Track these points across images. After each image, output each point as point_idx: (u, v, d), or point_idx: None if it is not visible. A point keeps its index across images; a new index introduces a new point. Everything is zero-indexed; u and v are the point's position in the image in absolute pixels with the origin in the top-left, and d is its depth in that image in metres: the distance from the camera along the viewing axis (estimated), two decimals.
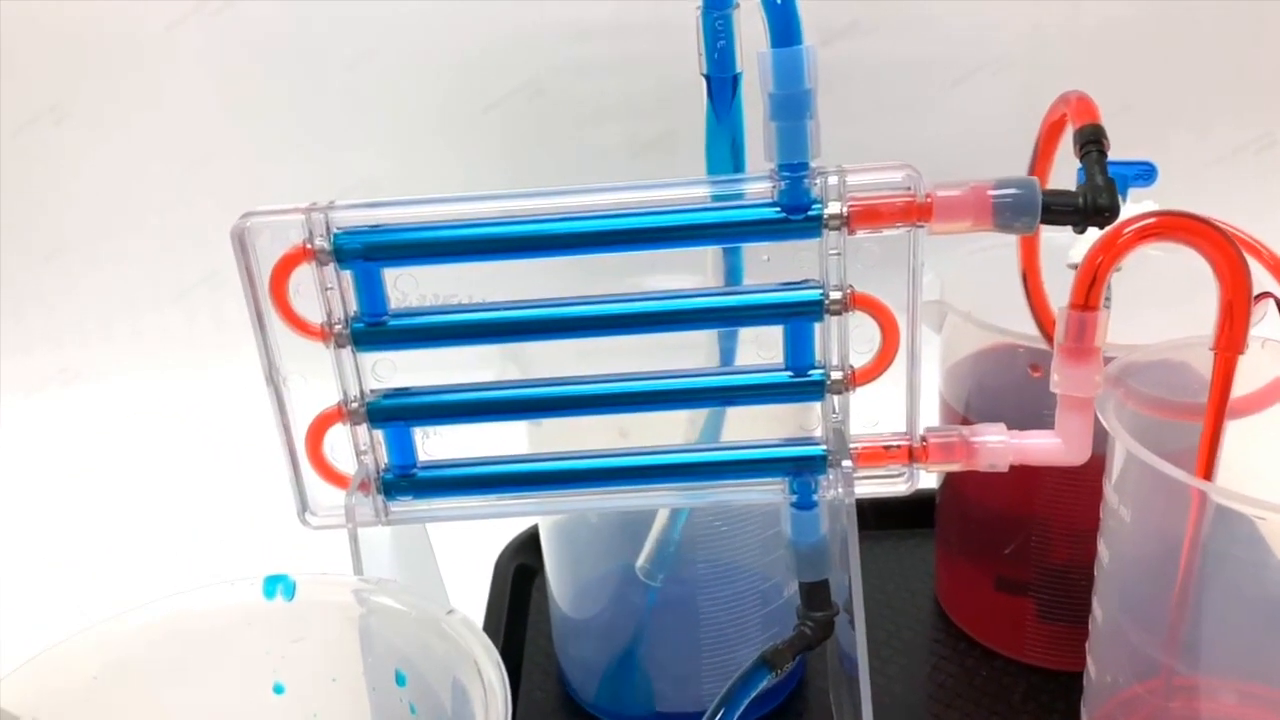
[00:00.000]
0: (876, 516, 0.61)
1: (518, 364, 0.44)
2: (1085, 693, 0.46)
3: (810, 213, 0.36)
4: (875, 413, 0.40)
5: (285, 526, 0.42)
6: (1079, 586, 0.47)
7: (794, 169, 0.36)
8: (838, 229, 0.36)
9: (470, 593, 0.58)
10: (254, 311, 0.38)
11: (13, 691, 0.34)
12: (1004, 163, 0.39)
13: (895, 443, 0.40)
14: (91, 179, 0.89)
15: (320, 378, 0.39)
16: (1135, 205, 0.40)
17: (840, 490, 0.39)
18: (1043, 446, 0.39)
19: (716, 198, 0.37)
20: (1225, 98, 0.88)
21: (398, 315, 0.38)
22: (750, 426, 0.42)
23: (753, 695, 0.39)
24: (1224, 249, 0.36)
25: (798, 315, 0.38)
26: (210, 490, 0.77)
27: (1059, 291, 0.39)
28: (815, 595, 0.40)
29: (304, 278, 0.38)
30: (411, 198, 0.37)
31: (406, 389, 0.40)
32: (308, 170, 0.88)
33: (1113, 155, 0.37)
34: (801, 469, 0.40)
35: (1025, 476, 0.41)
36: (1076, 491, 0.49)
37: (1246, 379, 0.39)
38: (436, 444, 0.41)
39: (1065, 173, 0.39)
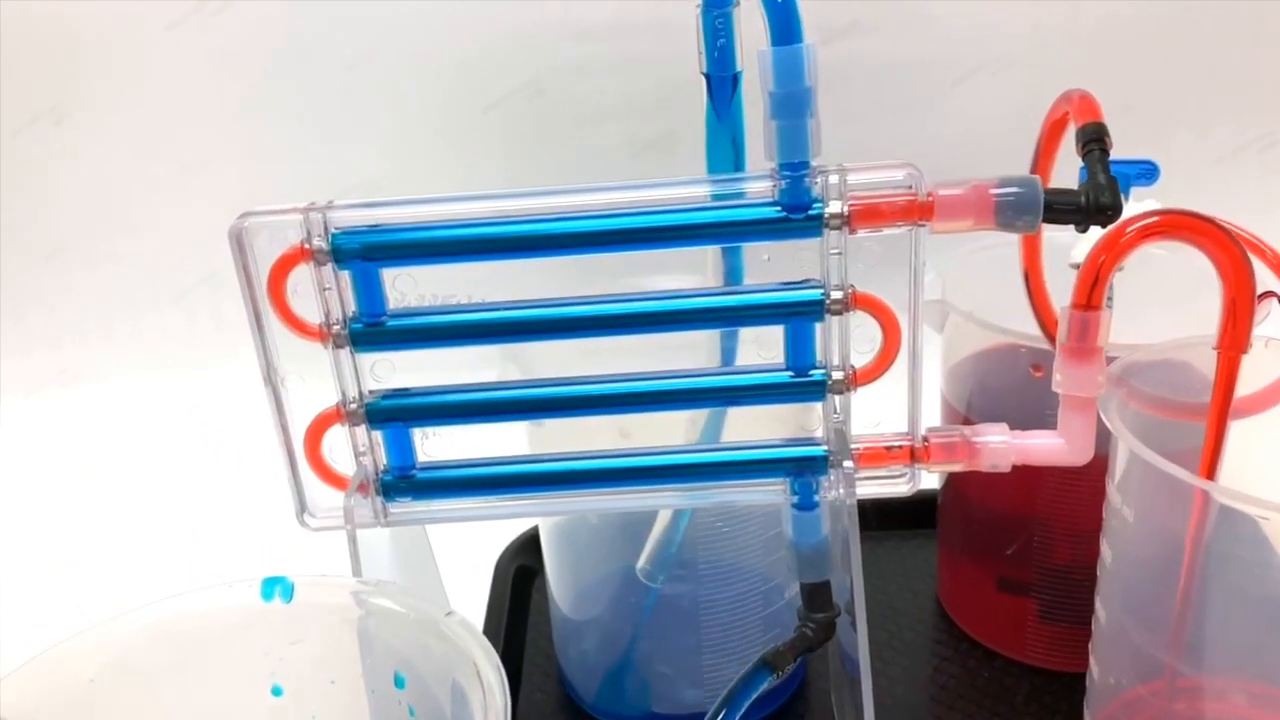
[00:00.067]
0: (878, 517, 0.61)
1: (518, 364, 0.44)
2: (1088, 694, 0.46)
3: (811, 212, 0.36)
4: (877, 413, 0.40)
5: (284, 527, 0.42)
6: (1081, 587, 0.47)
7: (794, 168, 0.35)
8: (839, 228, 0.36)
9: (470, 594, 0.58)
10: (252, 312, 0.38)
11: (10, 693, 0.33)
12: (1005, 162, 0.39)
13: (897, 443, 0.40)
14: (91, 179, 0.89)
15: (319, 378, 0.39)
16: (1137, 205, 0.40)
17: (842, 491, 0.39)
18: (1045, 447, 0.39)
19: (716, 197, 0.37)
20: (1227, 97, 0.88)
21: (396, 315, 0.38)
22: (751, 427, 0.42)
23: (754, 697, 0.39)
24: (1227, 248, 0.36)
25: (799, 315, 0.38)
26: (210, 491, 0.77)
27: (1061, 291, 0.39)
28: (817, 596, 0.40)
29: (302, 278, 0.37)
30: (410, 197, 0.37)
31: (405, 389, 0.40)
32: (308, 170, 0.88)
33: (1114, 155, 0.37)
34: (803, 469, 0.40)
35: (1027, 477, 0.41)
36: (1079, 492, 0.48)
37: (1249, 379, 0.39)
38: (436, 445, 0.41)
39: (1067, 172, 0.39)
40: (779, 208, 0.36)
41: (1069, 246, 0.43)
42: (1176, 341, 0.43)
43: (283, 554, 0.43)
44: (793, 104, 0.35)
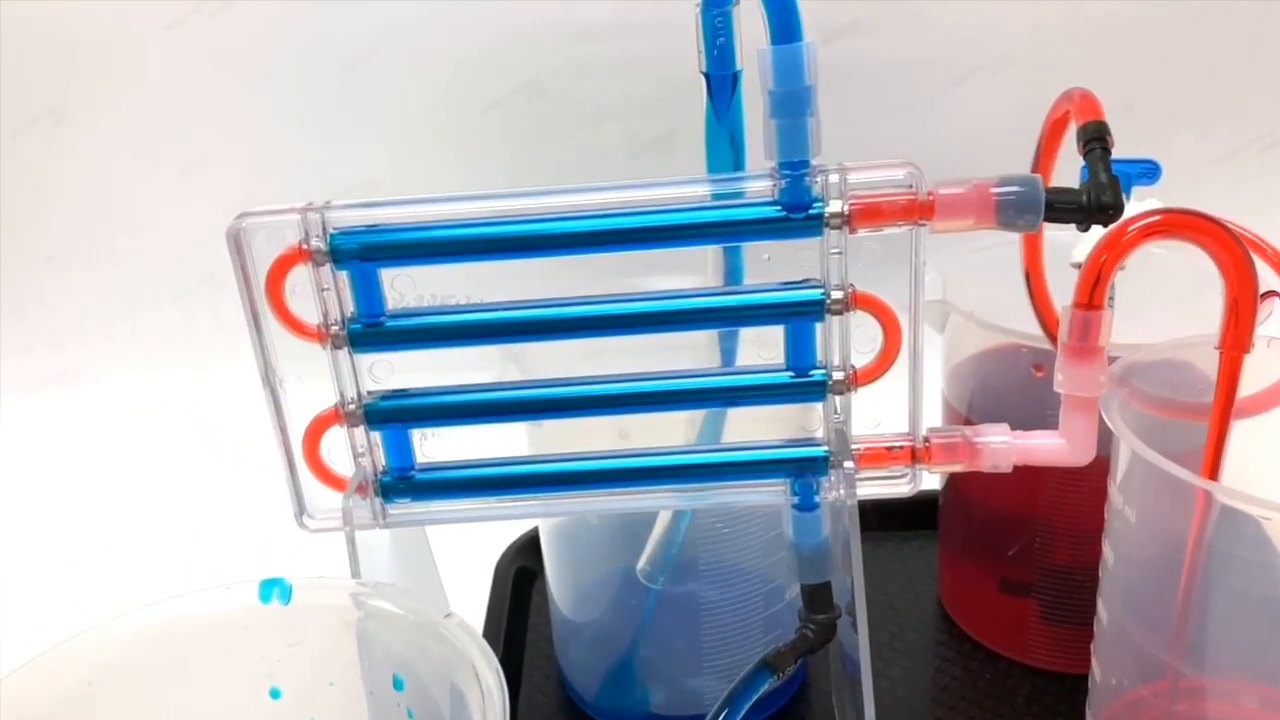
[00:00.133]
0: (879, 518, 0.61)
1: (517, 365, 0.44)
2: (1090, 695, 0.45)
3: (811, 211, 0.36)
4: (877, 413, 0.40)
5: (284, 529, 0.41)
6: (1083, 588, 0.47)
7: (794, 167, 0.35)
8: (839, 227, 0.36)
9: (471, 596, 0.58)
10: (250, 313, 0.38)
11: (8, 694, 0.33)
12: (1006, 162, 0.39)
13: (898, 443, 0.39)
14: (91, 179, 0.89)
15: (317, 379, 0.39)
16: (1139, 204, 0.39)
17: (842, 491, 0.39)
18: (1047, 447, 0.39)
19: (716, 196, 0.37)
20: (1228, 97, 0.88)
21: (395, 316, 0.38)
22: (751, 427, 0.42)
23: (754, 698, 0.39)
24: (1230, 247, 0.36)
25: (799, 315, 0.38)
26: (209, 492, 0.76)
27: (1062, 291, 0.39)
28: (817, 597, 0.40)
29: (300, 278, 0.37)
30: (408, 197, 0.37)
31: (404, 390, 0.40)
32: (308, 171, 0.88)
33: (1115, 154, 0.37)
34: (803, 470, 0.39)
35: (1029, 477, 0.41)
36: (1080, 492, 0.48)
37: (1251, 379, 0.39)
38: (435, 446, 0.41)
39: (1069, 171, 0.39)
40: (779, 207, 0.36)
41: (1070, 246, 0.43)
42: (1178, 341, 0.43)
43: (281, 555, 0.43)
44: (792, 103, 0.34)
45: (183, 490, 0.78)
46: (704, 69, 0.38)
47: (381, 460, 0.40)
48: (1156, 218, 0.36)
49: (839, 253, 0.36)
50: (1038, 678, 0.53)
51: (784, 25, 0.34)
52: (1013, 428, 0.39)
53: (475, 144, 0.87)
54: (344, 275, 0.37)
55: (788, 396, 0.39)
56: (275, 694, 0.38)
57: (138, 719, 0.36)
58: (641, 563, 0.47)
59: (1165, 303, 0.46)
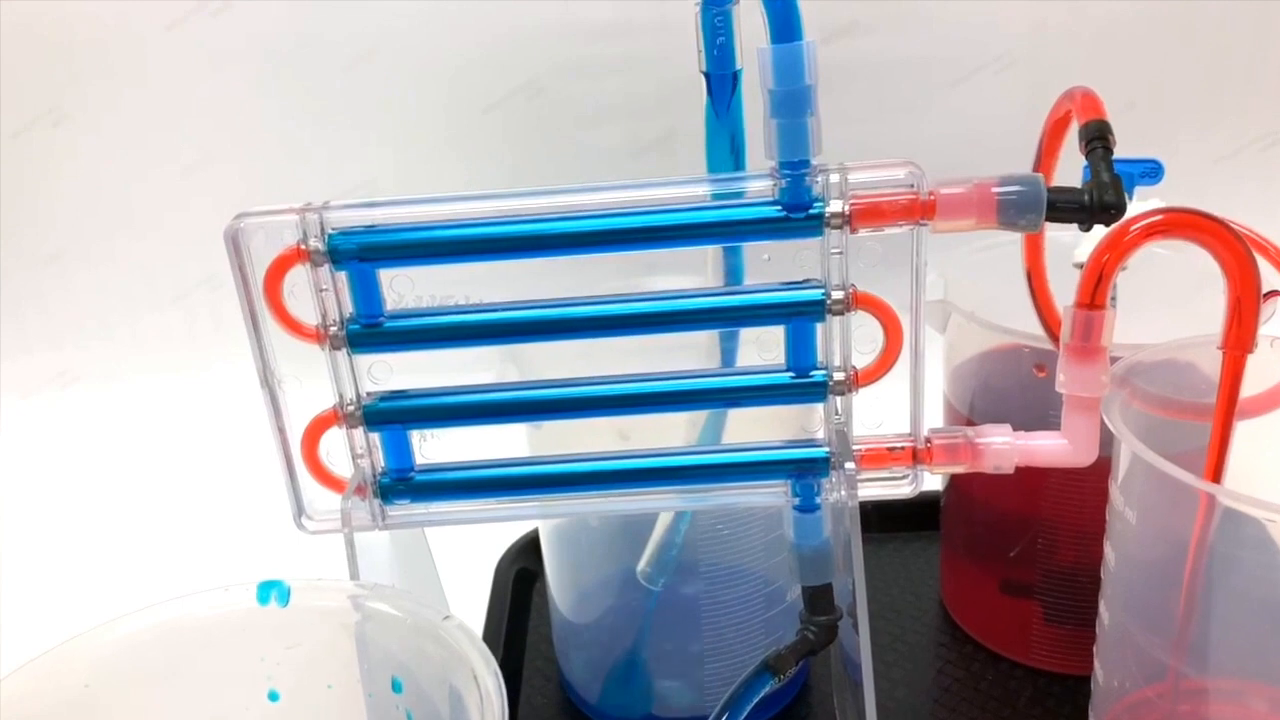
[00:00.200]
0: (880, 519, 0.61)
1: (517, 365, 0.44)
2: (1092, 696, 0.45)
3: (811, 211, 0.36)
4: (879, 414, 0.39)
5: (283, 530, 0.41)
6: (1085, 589, 0.47)
7: (795, 166, 0.35)
8: (839, 227, 0.36)
9: (471, 598, 0.57)
10: (248, 314, 0.38)
11: (6, 696, 0.33)
12: (1007, 162, 0.39)
13: (899, 444, 0.39)
14: (90, 181, 0.89)
15: (316, 380, 0.39)
16: (1141, 204, 0.39)
17: (843, 493, 0.39)
18: (1049, 448, 0.39)
19: (716, 196, 0.37)
20: (1230, 96, 0.87)
21: (394, 317, 0.38)
22: (752, 428, 0.41)
23: (755, 700, 0.39)
24: (1233, 246, 0.35)
25: (799, 315, 0.37)
26: (208, 493, 0.76)
27: (1064, 291, 0.39)
28: (818, 599, 0.40)
29: (299, 279, 0.37)
30: (406, 197, 0.37)
31: (403, 391, 0.39)
32: (308, 172, 0.88)
33: (1117, 154, 0.37)
34: (804, 471, 0.39)
35: (1031, 478, 0.41)
36: (1083, 493, 0.48)
37: (1254, 379, 0.39)
38: (434, 447, 0.40)
39: (1070, 171, 0.39)
40: (779, 207, 0.36)
41: (1072, 246, 0.43)
42: (1180, 341, 0.43)
43: (282, 557, 0.43)
44: (793, 102, 0.34)
45: (181, 492, 0.78)
46: (704, 68, 0.37)
47: (380, 461, 0.40)
48: (1159, 217, 0.36)
49: (840, 253, 0.36)
50: (1040, 679, 0.53)
51: (784, 24, 0.34)
52: (1015, 428, 0.39)
53: (475, 144, 0.87)
54: (342, 276, 0.37)
55: (788, 397, 0.39)
56: (273, 696, 0.38)
57: None
58: (642, 564, 0.47)
59: (1167, 303, 0.46)
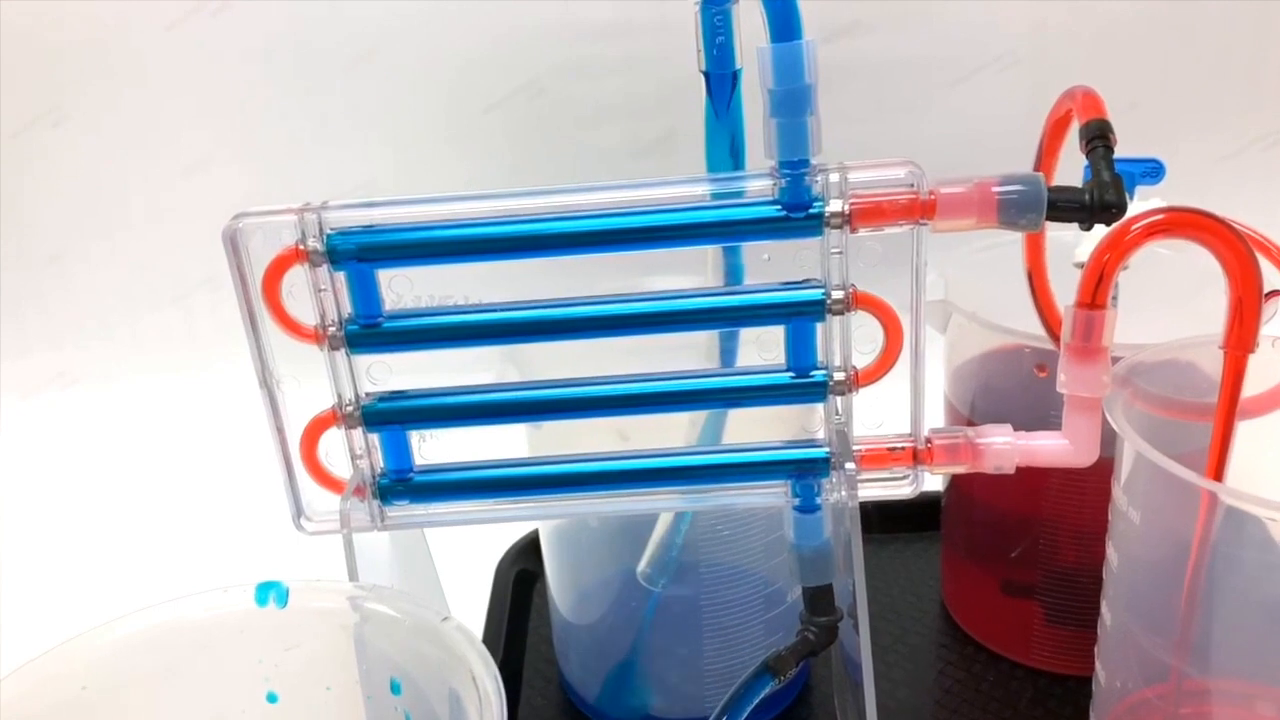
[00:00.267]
0: (881, 519, 0.61)
1: (516, 366, 0.43)
2: (1094, 697, 0.45)
3: (811, 210, 0.36)
4: (879, 414, 0.39)
5: (281, 531, 0.41)
6: (1087, 589, 0.47)
7: (795, 166, 0.35)
8: (839, 227, 0.36)
9: (471, 599, 0.57)
10: (246, 314, 0.37)
11: (2, 699, 0.33)
12: (1009, 162, 0.39)
13: (900, 444, 0.39)
14: (90, 181, 0.89)
15: (315, 381, 0.39)
16: (1142, 203, 0.39)
17: (844, 493, 0.38)
18: (1050, 448, 0.38)
19: (716, 196, 0.37)
20: (1231, 95, 0.87)
21: (393, 317, 0.38)
22: (752, 429, 0.41)
23: (756, 702, 0.39)
24: (1234, 246, 0.35)
25: (799, 315, 0.37)
26: (207, 494, 0.76)
27: (1065, 290, 0.39)
28: (819, 600, 0.40)
29: (297, 279, 0.37)
30: (405, 197, 0.37)
31: (402, 392, 0.39)
32: (308, 172, 0.88)
33: (1118, 154, 0.36)
34: (804, 472, 0.39)
35: (1032, 479, 0.41)
36: (1083, 494, 0.48)
37: (1256, 379, 0.39)
38: (433, 448, 0.40)
39: (1071, 171, 0.39)
40: (779, 206, 0.36)
41: (1073, 245, 0.43)
42: (1182, 341, 0.43)
43: (278, 558, 0.43)
44: (792, 101, 0.34)
45: (180, 492, 0.78)
46: (703, 68, 0.37)
47: (380, 462, 0.40)
48: (1160, 216, 0.36)
49: (840, 252, 0.36)
50: (1041, 680, 0.53)
51: (784, 23, 0.33)
52: (1015, 429, 0.39)
53: (476, 145, 0.87)
54: (341, 276, 0.37)
55: (788, 397, 0.39)
56: (272, 698, 0.38)
57: None
58: (642, 565, 0.47)
59: (1168, 302, 0.46)
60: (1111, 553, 0.42)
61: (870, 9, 0.83)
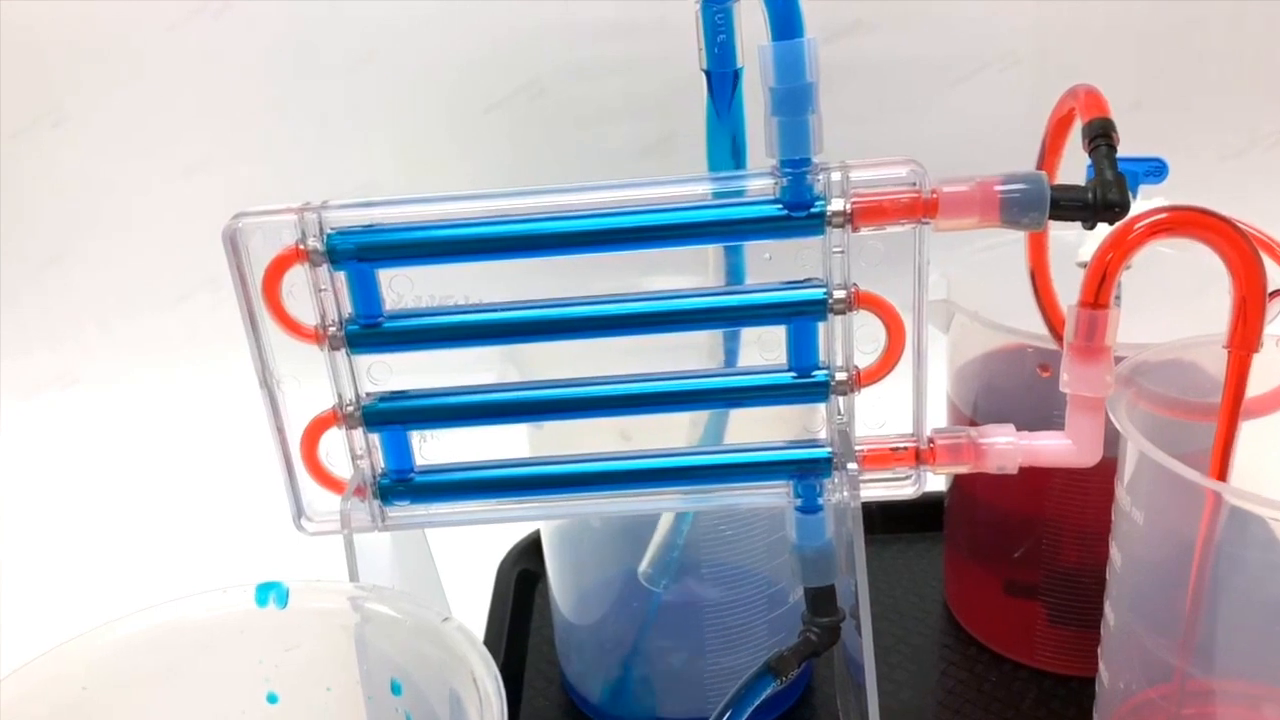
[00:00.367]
0: (883, 520, 0.61)
1: (517, 366, 0.43)
2: (1097, 698, 0.45)
3: (813, 209, 0.36)
4: (881, 414, 0.39)
5: (282, 531, 0.41)
6: (1090, 590, 0.47)
7: (796, 165, 0.35)
8: (841, 226, 0.36)
9: (472, 599, 0.57)
10: (246, 314, 0.37)
11: (2, 699, 0.33)
12: (1011, 160, 0.39)
13: (902, 444, 0.39)
14: (91, 182, 0.89)
15: (315, 381, 0.39)
16: (1145, 203, 0.39)
17: (846, 493, 0.38)
18: (1053, 448, 0.38)
19: (717, 195, 0.37)
20: (1235, 94, 0.87)
21: (393, 317, 0.38)
22: (753, 429, 0.41)
23: (757, 702, 0.39)
24: (1238, 245, 0.35)
25: (801, 315, 0.37)
26: (207, 494, 0.76)
27: (1068, 290, 0.39)
28: (821, 601, 0.40)
29: (298, 279, 0.37)
30: (406, 197, 0.37)
31: (403, 392, 0.39)
32: (309, 173, 0.88)
33: (1121, 153, 0.36)
34: (806, 472, 0.39)
35: (1035, 479, 0.41)
36: (1086, 494, 0.48)
37: (1260, 379, 0.38)
38: (434, 448, 0.40)
39: (1074, 170, 0.39)
40: (781, 205, 0.36)
41: (1076, 245, 0.42)
42: (1185, 341, 0.43)
43: (279, 558, 0.43)
44: (794, 100, 0.34)
45: (180, 492, 0.78)
46: (705, 66, 0.37)
47: (380, 462, 0.40)
48: (1163, 215, 0.36)
49: (841, 251, 0.36)
50: (1044, 681, 0.52)
51: (785, 21, 0.33)
52: (1018, 429, 0.39)
53: (477, 145, 0.87)
54: (341, 276, 0.37)
55: (790, 397, 0.39)
56: (272, 699, 0.38)
57: None
58: (643, 565, 0.47)
59: (1172, 302, 0.46)
60: (1115, 553, 0.42)
61: (872, 8, 0.82)
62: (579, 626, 0.52)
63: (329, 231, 0.36)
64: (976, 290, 0.50)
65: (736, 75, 0.37)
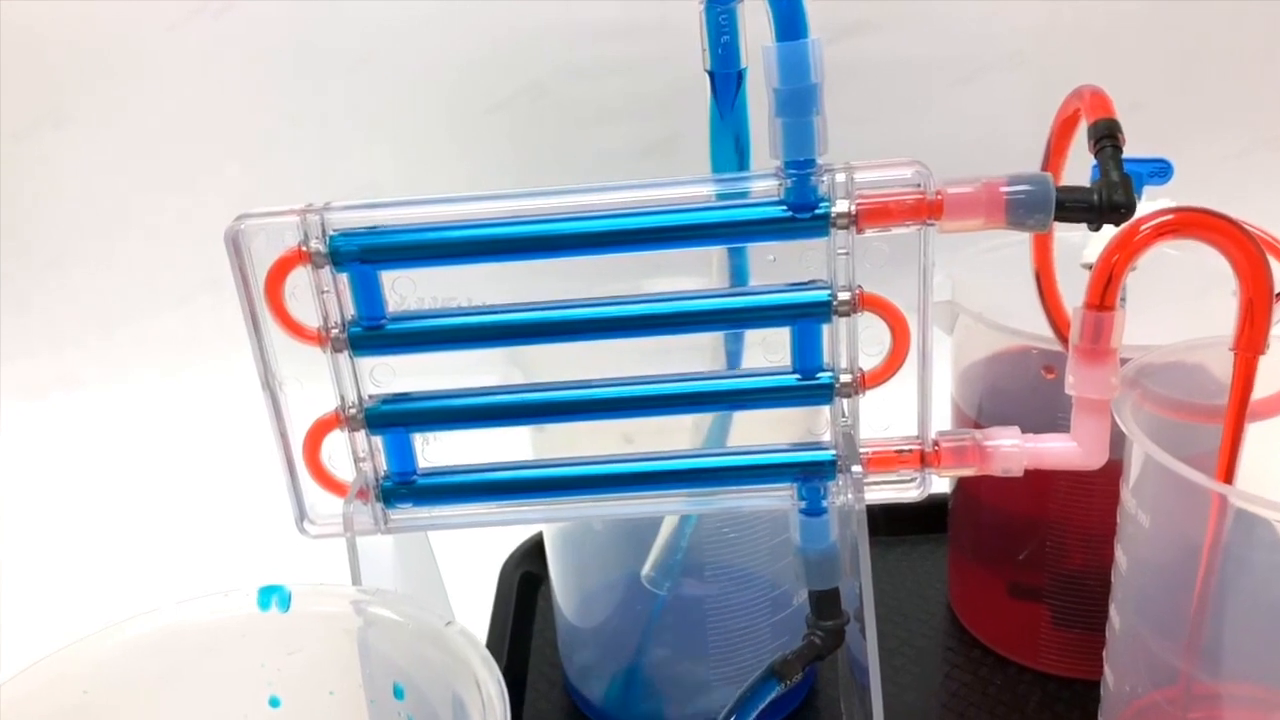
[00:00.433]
0: (888, 522, 0.61)
1: (520, 368, 0.43)
2: (1102, 701, 0.45)
3: (817, 211, 0.35)
4: (886, 416, 0.39)
5: (284, 534, 0.41)
6: (1095, 592, 0.47)
7: (800, 166, 0.35)
8: (846, 227, 0.35)
9: (475, 602, 0.57)
10: (249, 316, 0.37)
11: (4, 702, 0.33)
12: (1016, 161, 0.39)
13: (906, 447, 0.39)
14: (92, 183, 0.89)
15: (318, 383, 0.39)
16: (1150, 204, 0.39)
17: (850, 496, 0.38)
18: (1058, 450, 0.38)
19: (721, 196, 0.36)
20: (1239, 95, 0.87)
21: (396, 319, 0.38)
22: (757, 431, 0.41)
23: (762, 706, 0.39)
24: (1245, 246, 0.35)
25: (805, 316, 0.37)
26: (209, 497, 0.76)
27: (1073, 292, 0.39)
28: (825, 603, 0.40)
29: (300, 281, 0.37)
30: (408, 198, 0.37)
31: (405, 394, 0.39)
32: (311, 173, 0.88)
33: (1126, 153, 0.36)
34: (810, 474, 0.39)
35: (1040, 481, 0.41)
36: (1091, 496, 0.48)
37: (1266, 380, 0.38)
38: (437, 450, 0.40)
39: (1079, 171, 0.38)
40: (785, 207, 0.36)
41: (1081, 246, 0.42)
42: (1191, 342, 0.42)
43: (282, 561, 0.43)
44: (798, 101, 0.34)
45: (182, 495, 0.78)
46: (708, 67, 0.37)
47: (383, 465, 0.40)
48: (1169, 217, 0.35)
49: (846, 253, 0.36)
50: (1049, 684, 0.52)
51: (789, 21, 0.33)
52: (1023, 431, 0.39)
53: (478, 146, 0.87)
54: (344, 277, 0.37)
55: (794, 399, 0.39)
56: (274, 702, 0.38)
57: None
58: (646, 568, 0.46)
59: (1177, 303, 0.45)
60: (1120, 555, 0.42)
61: (877, 8, 0.82)
62: (582, 629, 0.52)
63: (332, 233, 0.36)
64: (981, 292, 0.50)
65: (740, 76, 0.37)
